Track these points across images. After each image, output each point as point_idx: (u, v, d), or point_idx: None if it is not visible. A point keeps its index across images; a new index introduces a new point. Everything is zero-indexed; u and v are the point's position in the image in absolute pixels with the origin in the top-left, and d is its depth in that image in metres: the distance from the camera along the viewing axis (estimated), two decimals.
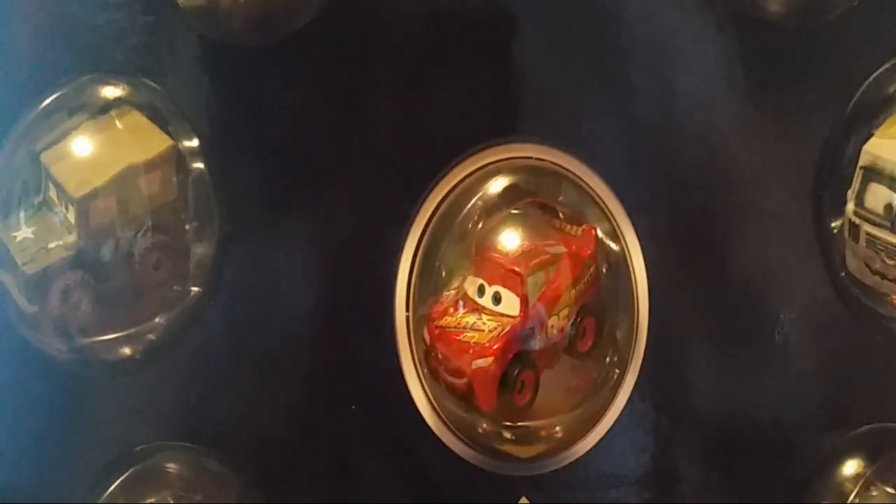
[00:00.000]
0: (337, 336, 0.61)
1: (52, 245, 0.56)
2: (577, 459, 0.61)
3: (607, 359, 0.60)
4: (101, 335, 0.58)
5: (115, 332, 0.58)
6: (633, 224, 0.60)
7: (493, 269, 0.57)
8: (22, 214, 0.57)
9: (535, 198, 0.60)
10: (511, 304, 0.57)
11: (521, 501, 0.61)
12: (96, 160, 0.57)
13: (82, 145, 0.57)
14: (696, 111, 0.60)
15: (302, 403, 0.61)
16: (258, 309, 0.61)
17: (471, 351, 0.57)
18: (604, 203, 0.60)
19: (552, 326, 0.58)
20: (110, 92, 0.59)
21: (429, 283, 0.60)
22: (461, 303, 0.58)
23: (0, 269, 0.57)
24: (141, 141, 0.58)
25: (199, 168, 0.59)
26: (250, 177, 0.60)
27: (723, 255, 0.61)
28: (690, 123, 0.60)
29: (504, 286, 0.57)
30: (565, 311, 0.58)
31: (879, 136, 0.57)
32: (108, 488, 0.59)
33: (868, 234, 0.57)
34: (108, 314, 0.57)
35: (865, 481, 0.59)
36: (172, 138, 0.58)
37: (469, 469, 0.61)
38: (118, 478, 0.59)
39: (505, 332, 0.57)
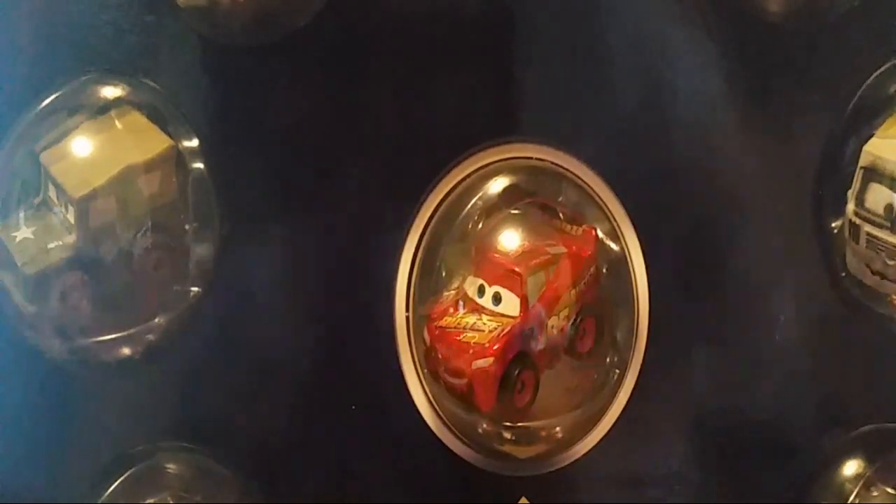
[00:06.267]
0: (337, 336, 0.61)
1: (51, 245, 0.56)
2: (577, 460, 0.61)
3: (607, 359, 0.60)
4: (101, 336, 0.58)
5: (115, 333, 0.58)
6: (634, 224, 0.60)
7: (493, 270, 0.57)
8: (21, 214, 0.57)
9: (536, 198, 0.59)
10: (511, 305, 0.57)
11: (520, 502, 0.61)
12: (96, 160, 0.57)
13: (82, 145, 0.57)
14: (696, 111, 0.60)
15: (302, 404, 0.61)
16: (258, 309, 0.61)
17: (471, 351, 0.57)
18: (604, 203, 0.60)
19: (552, 327, 0.58)
20: (110, 92, 0.59)
21: (429, 283, 0.60)
22: (461, 303, 0.58)
23: None
24: (141, 141, 0.58)
25: (199, 168, 0.59)
26: (250, 177, 0.60)
27: (723, 255, 0.61)
28: (691, 123, 0.60)
29: (504, 286, 0.57)
30: (565, 312, 0.58)
31: (880, 137, 0.57)
32: (107, 489, 0.59)
33: (868, 234, 0.57)
34: (107, 315, 0.57)
35: (866, 482, 0.59)
36: (172, 138, 0.58)
37: (469, 469, 0.61)
38: (118, 478, 0.59)
39: (505, 332, 0.57)
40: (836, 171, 0.58)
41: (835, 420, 0.61)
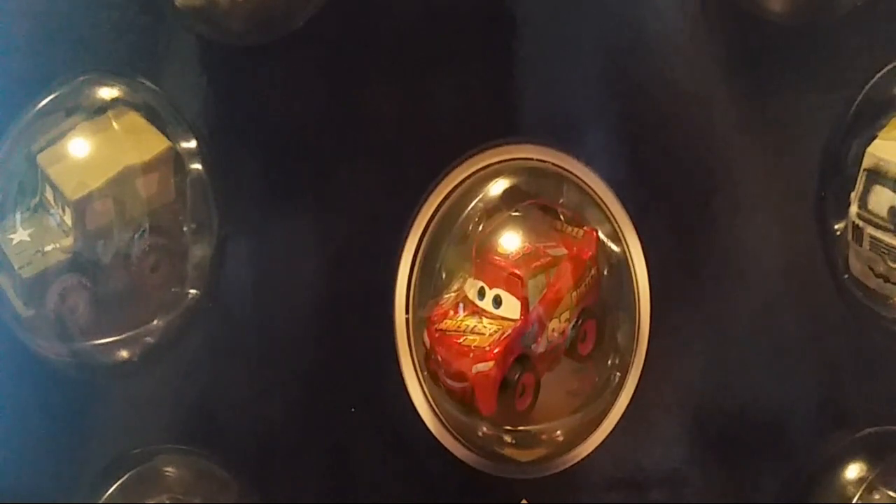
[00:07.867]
0: (336, 338, 0.61)
1: (48, 248, 0.56)
2: (578, 463, 0.61)
3: (608, 362, 0.59)
4: (99, 338, 0.58)
5: (113, 336, 0.58)
6: (635, 226, 0.60)
7: (493, 272, 0.57)
8: (18, 216, 0.57)
9: (536, 199, 0.59)
10: (512, 308, 0.57)
11: None
12: (93, 162, 0.57)
13: (79, 146, 0.57)
14: (697, 112, 0.60)
15: (301, 406, 0.61)
16: (257, 311, 0.61)
17: (471, 355, 0.56)
18: (605, 205, 0.60)
19: (553, 329, 0.57)
20: (107, 93, 0.58)
21: (429, 285, 0.59)
22: (461, 306, 0.58)
23: None
24: (138, 142, 0.57)
25: (197, 169, 0.59)
26: (248, 178, 0.60)
27: (724, 256, 0.61)
28: (692, 124, 0.60)
29: (505, 289, 0.57)
30: (566, 314, 0.57)
31: (883, 138, 0.56)
32: (106, 491, 0.59)
33: (871, 236, 0.56)
34: (105, 317, 0.57)
35: (868, 485, 0.59)
36: (170, 139, 0.58)
37: (469, 472, 0.60)
38: (116, 481, 0.59)
39: (506, 335, 0.56)
40: (838, 174, 0.58)
41: (837, 423, 0.61)
